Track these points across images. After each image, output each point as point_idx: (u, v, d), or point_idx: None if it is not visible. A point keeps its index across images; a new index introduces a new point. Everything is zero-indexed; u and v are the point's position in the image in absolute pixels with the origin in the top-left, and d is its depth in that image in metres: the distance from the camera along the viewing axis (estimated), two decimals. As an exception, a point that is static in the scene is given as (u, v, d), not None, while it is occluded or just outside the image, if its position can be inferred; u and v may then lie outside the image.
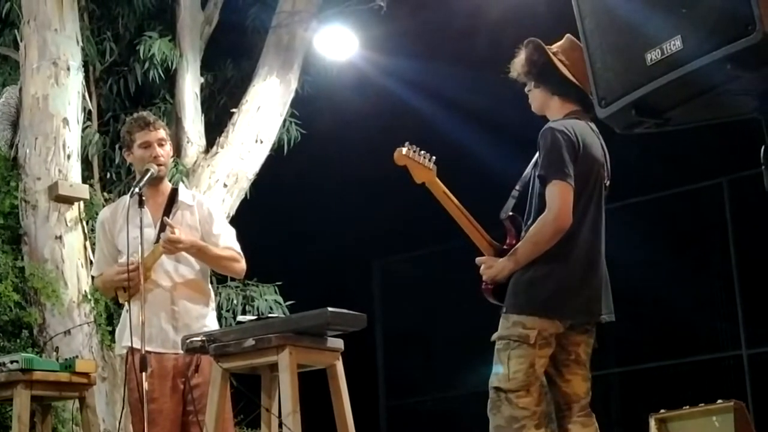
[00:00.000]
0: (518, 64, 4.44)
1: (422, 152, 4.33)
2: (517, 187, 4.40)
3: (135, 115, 5.34)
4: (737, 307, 10.49)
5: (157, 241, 4.94)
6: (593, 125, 4.36)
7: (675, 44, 2.91)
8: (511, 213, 4.37)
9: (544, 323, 4.14)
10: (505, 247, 4.34)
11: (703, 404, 5.95)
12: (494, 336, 4.22)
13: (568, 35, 4.39)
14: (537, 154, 4.29)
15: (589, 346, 4.35)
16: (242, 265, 5.22)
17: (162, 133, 5.12)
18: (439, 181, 4.33)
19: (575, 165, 4.17)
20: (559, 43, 4.43)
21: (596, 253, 4.27)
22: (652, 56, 2.98)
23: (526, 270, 4.18)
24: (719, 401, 5.88)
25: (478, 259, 4.35)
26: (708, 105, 3.07)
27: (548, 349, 4.17)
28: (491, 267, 4.28)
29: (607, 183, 4.40)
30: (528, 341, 4.10)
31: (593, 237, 4.26)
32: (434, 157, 4.34)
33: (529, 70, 4.40)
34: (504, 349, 4.15)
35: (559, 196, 4.11)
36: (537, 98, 4.43)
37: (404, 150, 4.31)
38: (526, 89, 4.47)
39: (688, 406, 6.03)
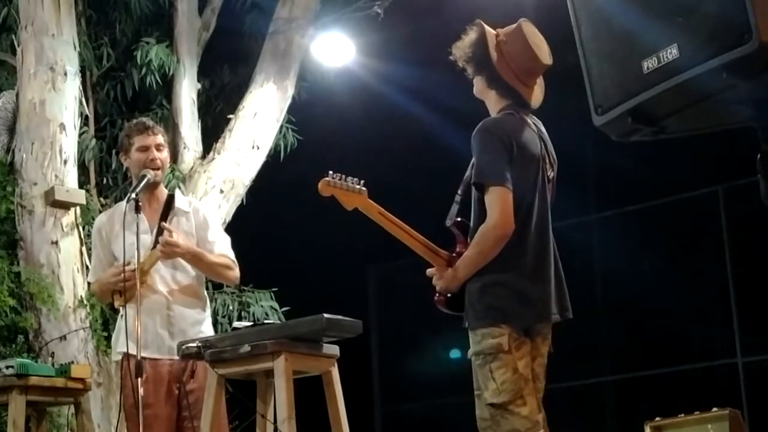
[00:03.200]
0: (460, 49, 4.35)
1: (348, 178, 4.21)
2: (459, 192, 4.30)
3: (134, 120, 5.36)
4: (733, 315, 10.51)
5: (155, 246, 4.95)
6: (530, 117, 4.30)
7: (671, 52, 2.92)
8: (458, 219, 4.28)
9: (509, 328, 4.05)
10: (454, 254, 4.24)
11: (698, 412, 5.96)
12: (469, 353, 4.14)
13: (522, 20, 4.33)
14: (473, 159, 4.20)
15: (544, 357, 4.25)
16: (236, 273, 5.22)
17: (160, 138, 5.13)
18: (372, 203, 4.24)
19: (511, 167, 4.08)
20: (508, 29, 4.34)
21: (545, 254, 4.18)
22: (649, 64, 2.99)
23: (476, 279, 4.11)
24: (714, 409, 5.89)
25: (428, 272, 4.26)
26: (704, 113, 3.07)
27: (525, 347, 4.10)
28: (442, 277, 4.21)
29: (551, 175, 4.30)
30: (503, 349, 4.02)
31: (541, 238, 4.18)
32: (362, 181, 4.23)
33: (469, 58, 4.32)
34: (483, 364, 4.06)
35: (498, 201, 4.04)
36: (477, 86, 4.35)
37: (329, 180, 4.20)
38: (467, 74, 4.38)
39: (683, 414, 6.04)
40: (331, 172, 4.21)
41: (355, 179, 4.24)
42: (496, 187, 4.05)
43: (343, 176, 4.21)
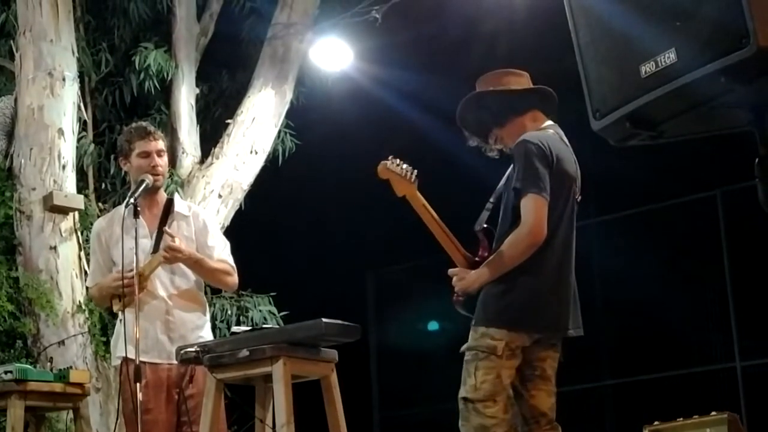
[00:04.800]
0: (473, 125, 4.48)
1: (405, 166, 4.35)
2: (491, 200, 4.42)
3: (134, 124, 5.34)
4: (731, 319, 10.50)
5: (155, 251, 4.94)
6: (563, 135, 4.38)
7: (669, 57, 2.92)
8: (485, 225, 4.38)
9: (512, 335, 4.14)
10: (477, 259, 4.34)
11: (696, 416, 5.96)
12: (463, 347, 4.22)
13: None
14: (511, 167, 4.30)
15: (554, 360, 4.34)
16: (234, 278, 5.23)
17: (161, 143, 5.13)
18: (419, 195, 4.35)
19: (549, 178, 4.17)
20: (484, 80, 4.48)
21: (567, 268, 4.28)
22: (647, 69, 2.99)
23: (496, 282, 4.18)
24: (713, 413, 5.89)
25: (450, 271, 4.35)
26: (702, 117, 3.07)
27: (515, 360, 4.18)
28: (463, 279, 4.29)
29: (579, 198, 4.41)
30: (495, 353, 4.11)
31: (565, 252, 4.27)
32: (416, 171, 4.35)
33: (489, 120, 4.43)
34: (472, 360, 4.16)
35: (534, 209, 4.12)
36: (512, 132, 4.40)
37: (388, 163, 4.35)
38: (492, 144, 4.48)
39: (681, 418, 6.04)
40: (391, 156, 4.34)
41: (411, 168, 4.34)
42: (534, 195, 4.12)
43: (401, 162, 4.33)
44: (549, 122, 4.42)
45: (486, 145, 4.51)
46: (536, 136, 4.28)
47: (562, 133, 4.41)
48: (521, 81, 4.46)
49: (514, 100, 4.39)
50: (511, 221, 4.21)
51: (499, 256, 4.18)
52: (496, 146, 4.48)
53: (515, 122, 4.40)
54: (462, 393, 4.17)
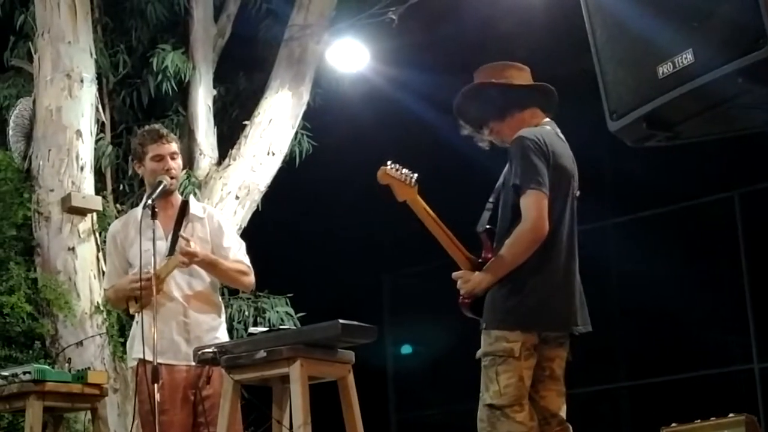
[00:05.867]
0: (471, 115, 4.45)
1: (404, 170, 4.31)
2: (491, 199, 4.37)
3: (147, 127, 5.34)
4: (748, 320, 10.47)
5: (170, 253, 4.95)
6: (559, 131, 4.34)
7: (687, 58, 2.92)
8: (488, 226, 4.33)
9: (526, 335, 4.10)
10: (480, 260, 4.29)
11: (714, 418, 5.95)
12: (479, 353, 4.18)
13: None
14: (508, 164, 4.25)
15: (563, 360, 4.30)
16: (251, 278, 5.23)
17: (174, 146, 5.13)
18: (420, 199, 4.31)
19: (548, 174, 4.13)
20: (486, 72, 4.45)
21: (572, 264, 4.23)
22: (664, 70, 2.99)
23: (503, 283, 4.14)
24: (730, 415, 5.88)
25: (454, 274, 4.32)
26: (719, 118, 3.07)
27: (532, 359, 4.14)
28: (468, 281, 4.25)
29: (578, 194, 4.35)
30: (513, 355, 4.07)
31: (569, 247, 4.21)
32: (416, 175, 4.32)
33: (489, 112, 4.40)
34: (491, 366, 4.11)
35: (535, 205, 4.07)
36: (510, 127, 4.36)
37: (388, 169, 4.31)
38: (486, 135, 4.44)
39: (699, 420, 6.03)
40: (390, 161, 4.32)
41: (411, 172, 4.32)
42: (534, 191, 4.09)
43: (401, 167, 4.31)
44: (546, 119, 4.37)
45: (479, 135, 4.46)
46: (532, 131, 4.23)
47: (558, 130, 4.36)
48: (524, 76, 4.42)
49: (517, 94, 4.35)
50: (510, 219, 4.17)
51: (502, 255, 4.14)
52: (489, 138, 4.43)
53: (516, 117, 4.35)
54: (486, 400, 4.11)
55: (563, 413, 4.28)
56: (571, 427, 4.30)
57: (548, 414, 4.24)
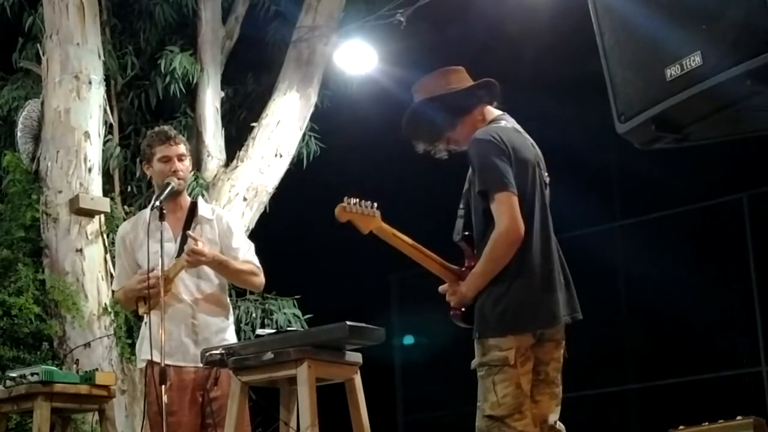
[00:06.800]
0: (425, 133, 4.39)
1: (362, 202, 4.23)
2: (461, 206, 4.31)
3: (155, 129, 5.34)
4: (757, 322, 10.44)
5: (179, 255, 4.96)
6: (514, 122, 4.29)
7: (695, 60, 2.92)
8: (466, 233, 4.27)
9: (519, 339, 4.05)
10: (464, 269, 4.24)
11: (722, 420, 5.93)
12: (473, 363, 4.14)
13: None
14: (470, 169, 4.20)
15: (558, 362, 4.24)
16: (261, 278, 5.24)
17: (182, 148, 5.13)
18: (385, 226, 4.25)
19: (512, 170, 4.08)
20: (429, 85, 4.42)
21: (550, 258, 4.16)
22: (672, 72, 2.98)
23: (488, 290, 4.10)
24: (739, 417, 5.86)
25: (441, 288, 4.27)
26: (728, 120, 3.07)
27: (529, 363, 4.09)
28: (456, 292, 4.20)
29: (547, 180, 4.29)
30: (508, 363, 4.02)
31: (544, 241, 4.16)
32: (375, 203, 4.25)
33: (440, 125, 4.35)
34: (487, 376, 4.06)
35: (506, 207, 4.02)
36: (465, 132, 4.32)
37: (345, 206, 4.23)
38: (444, 147, 4.40)
39: (707, 423, 6.01)
40: (346, 197, 4.23)
41: (368, 202, 4.24)
42: (502, 192, 4.04)
43: (358, 200, 4.23)
44: (498, 113, 4.32)
45: (434, 148, 4.41)
46: (487, 131, 4.18)
47: (513, 120, 4.30)
48: (462, 77, 4.37)
49: (461, 99, 4.30)
50: (485, 224, 4.12)
51: (483, 261, 4.08)
52: (448, 148, 4.39)
53: (467, 121, 4.30)
54: (486, 411, 4.06)
55: (554, 417, 4.22)
56: (564, 428, 4.26)
57: (542, 418, 4.19)
